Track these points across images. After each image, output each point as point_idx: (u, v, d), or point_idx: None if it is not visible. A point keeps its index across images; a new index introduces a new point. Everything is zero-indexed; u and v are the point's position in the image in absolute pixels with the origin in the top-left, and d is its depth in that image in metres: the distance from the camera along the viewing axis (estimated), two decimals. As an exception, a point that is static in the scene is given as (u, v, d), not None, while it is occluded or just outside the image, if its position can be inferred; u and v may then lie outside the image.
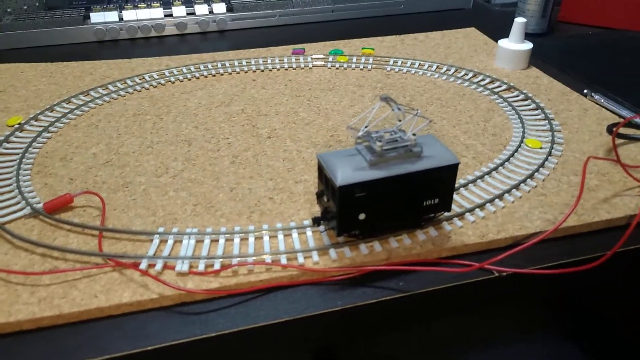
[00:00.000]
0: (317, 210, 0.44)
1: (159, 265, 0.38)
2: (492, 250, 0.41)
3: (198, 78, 0.68)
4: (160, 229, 0.41)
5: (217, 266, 0.38)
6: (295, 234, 0.41)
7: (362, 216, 0.37)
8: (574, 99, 0.61)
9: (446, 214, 0.43)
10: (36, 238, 0.41)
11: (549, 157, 0.50)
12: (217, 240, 0.41)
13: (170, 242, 0.40)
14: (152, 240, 0.41)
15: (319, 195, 0.40)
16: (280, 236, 0.41)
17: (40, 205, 0.44)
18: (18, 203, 0.45)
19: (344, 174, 0.36)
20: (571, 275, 0.39)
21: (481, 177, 0.47)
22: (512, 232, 0.41)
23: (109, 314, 0.36)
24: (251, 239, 0.40)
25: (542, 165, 0.48)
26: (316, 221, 0.39)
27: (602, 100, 0.60)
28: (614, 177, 0.47)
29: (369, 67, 0.70)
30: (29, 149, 0.53)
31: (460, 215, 0.43)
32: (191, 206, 0.45)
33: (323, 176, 0.38)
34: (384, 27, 0.86)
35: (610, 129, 0.53)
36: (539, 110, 0.58)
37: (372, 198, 0.37)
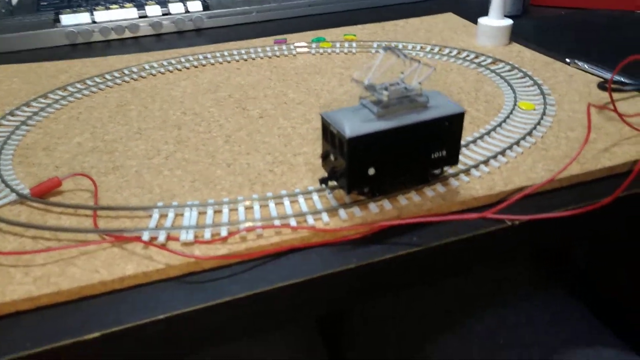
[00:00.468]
0: (321, 177, 0.43)
1: (162, 237, 0.36)
2: (501, 203, 0.40)
3: (180, 70, 0.67)
4: (160, 204, 0.40)
5: (224, 233, 0.36)
6: (301, 199, 0.40)
7: (371, 171, 0.36)
8: (559, 67, 0.62)
9: (452, 170, 0.42)
10: (25, 221, 0.38)
11: (544, 117, 0.50)
12: (220, 211, 0.39)
13: (171, 215, 0.38)
14: (151, 216, 0.39)
15: (325, 157, 0.39)
16: (287, 202, 0.39)
17: (27, 191, 0.42)
18: (1, 191, 0.42)
19: (352, 126, 0.35)
20: (581, 218, 0.39)
21: (480, 138, 0.47)
22: (519, 184, 0.41)
23: (112, 288, 0.34)
24: (256, 207, 0.39)
25: (538, 124, 0.48)
26: (323, 182, 0.38)
27: (586, 66, 0.61)
28: (609, 129, 0.48)
29: (354, 50, 0.70)
30: (7, 141, 0.50)
31: (466, 171, 0.42)
32: (189, 182, 0.43)
33: (328, 134, 0.37)
34: (362, 18, 0.87)
35: (601, 85, 0.53)
36: (527, 78, 0.59)
37: (381, 151, 0.36)
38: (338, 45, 0.71)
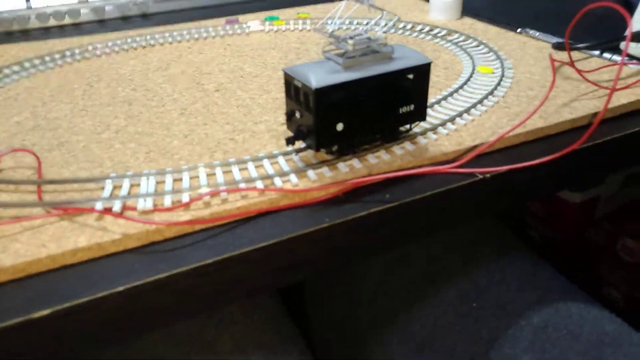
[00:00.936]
0: (284, 144, 0.41)
1: (117, 206, 0.33)
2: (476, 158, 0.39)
3: (127, 50, 0.63)
4: (113, 174, 0.37)
5: (185, 199, 0.34)
6: (267, 163, 0.38)
7: (340, 126, 0.35)
8: (511, 36, 0.63)
9: (419, 128, 0.41)
10: (-39, 200, 0.35)
11: (503, 79, 0.50)
12: (180, 179, 0.36)
13: (126, 185, 0.35)
14: (103, 187, 0.36)
15: (289, 116, 0.37)
16: (251, 166, 0.37)
17: (-39, 171, 0.38)
18: None
19: (318, 77, 0.33)
20: (546, 167, 0.39)
21: (444, 99, 0.46)
22: (486, 138, 0.40)
23: (63, 263, 0.30)
24: (219, 172, 0.37)
25: (498, 84, 0.48)
26: (290, 141, 0.36)
27: (537, 34, 0.61)
28: (566, 87, 0.48)
29: (308, 27, 0.68)
30: (-62, 125, 0.46)
31: (433, 130, 0.41)
32: (143, 154, 0.40)
33: (292, 90, 0.35)
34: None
35: (557, 45, 0.54)
36: (482, 46, 0.59)
37: (349, 104, 0.34)
38: (292, 22, 0.69)
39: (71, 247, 0.30)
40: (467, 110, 0.44)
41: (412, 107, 0.37)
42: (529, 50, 0.57)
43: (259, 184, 0.35)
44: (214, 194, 0.34)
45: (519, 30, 0.64)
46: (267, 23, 0.69)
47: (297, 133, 0.36)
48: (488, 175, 0.37)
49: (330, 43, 0.35)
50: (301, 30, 0.68)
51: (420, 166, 0.38)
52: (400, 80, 0.36)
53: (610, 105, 0.44)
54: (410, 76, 0.36)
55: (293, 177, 0.36)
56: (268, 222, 0.34)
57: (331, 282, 0.57)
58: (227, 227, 0.33)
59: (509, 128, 0.40)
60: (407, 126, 0.40)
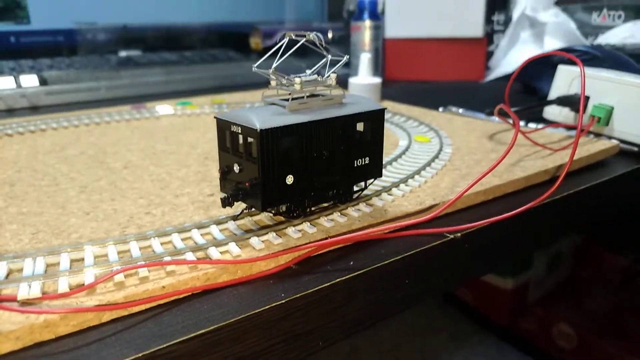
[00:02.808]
0: (216, 214, 0.34)
1: (-14, 297, 0.23)
2: (436, 220, 0.35)
3: (11, 136, 0.54)
4: (-18, 258, 0.27)
5: (89, 279, 0.25)
6: (196, 233, 0.30)
7: (290, 179, 0.29)
8: (435, 114, 0.62)
9: (370, 190, 0.36)
10: None
11: (443, 146, 0.47)
12: (81, 259, 0.27)
13: (1, 269, 0.26)
14: (-33, 277, 0.26)
15: (225, 173, 0.30)
16: (176, 237, 0.29)
17: None
18: None
19: (263, 119, 0.27)
20: (516, 220, 0.35)
21: (389, 163, 0.42)
22: (445, 197, 0.36)
23: None
24: (134, 246, 0.28)
25: (440, 150, 0.46)
26: (226, 202, 0.29)
27: (460, 111, 0.62)
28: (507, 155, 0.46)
29: (226, 109, 0.64)
30: None
31: (387, 191, 0.36)
32: (29, 235, 0.31)
33: (228, 139, 0.29)
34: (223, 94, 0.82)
35: (489, 112, 0.53)
36: (412, 120, 0.57)
37: (299, 153, 0.29)
38: (206, 107, 0.65)
39: None
40: (418, 172, 0.40)
41: (367, 160, 0.32)
42: (457, 124, 0.57)
43: (190, 256, 0.27)
44: (128, 270, 0.25)
45: (440, 109, 0.64)
46: (178, 107, 0.64)
47: (236, 192, 0.29)
48: (458, 234, 0.32)
49: (271, 86, 0.30)
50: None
51: (382, 229, 0.32)
52: (353, 128, 0.31)
53: (562, 163, 0.42)
54: (364, 124, 0.32)
55: (233, 247, 0.28)
56: (205, 304, 0.25)
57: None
58: (150, 314, 0.24)
59: (467, 186, 0.37)
60: (362, 185, 0.34)
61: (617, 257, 0.95)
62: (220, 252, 0.28)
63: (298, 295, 0.26)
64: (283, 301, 0.26)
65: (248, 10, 1.24)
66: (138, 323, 0.24)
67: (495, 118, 0.58)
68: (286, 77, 0.29)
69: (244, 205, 0.30)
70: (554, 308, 0.92)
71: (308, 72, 0.31)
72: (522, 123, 0.55)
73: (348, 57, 0.31)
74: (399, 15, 0.94)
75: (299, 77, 0.29)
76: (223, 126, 0.29)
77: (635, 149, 0.47)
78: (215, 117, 0.30)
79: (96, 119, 0.59)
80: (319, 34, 0.29)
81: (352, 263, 0.29)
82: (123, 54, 1.03)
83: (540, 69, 0.75)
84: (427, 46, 0.93)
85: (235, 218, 0.31)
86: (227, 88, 0.86)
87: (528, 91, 0.79)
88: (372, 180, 0.34)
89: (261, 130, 0.27)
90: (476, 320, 0.86)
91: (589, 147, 0.45)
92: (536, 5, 0.99)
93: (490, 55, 1.00)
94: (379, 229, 0.31)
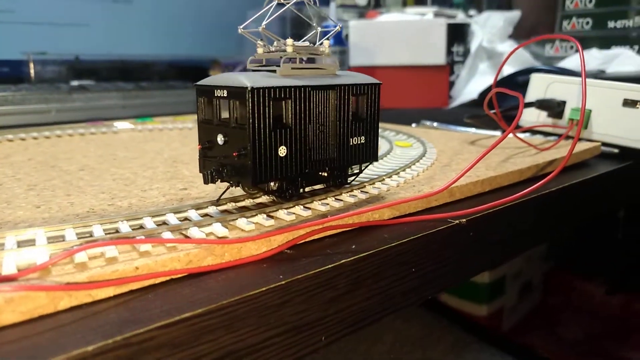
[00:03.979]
0: (190, 204, 0.29)
1: None
2: (432, 209, 0.32)
3: (-53, 147, 0.48)
4: None
5: (42, 259, 0.20)
6: (171, 217, 0.26)
7: (282, 151, 0.25)
8: (410, 128, 0.61)
9: (363, 178, 0.33)
10: None
11: (427, 149, 0.45)
12: (31, 240, 0.22)
13: None
14: None
15: (205, 150, 0.26)
16: (148, 220, 0.25)
17: None
18: None
19: (254, 79, 0.24)
20: (522, 207, 0.32)
21: (376, 161, 0.39)
22: (443, 186, 0.33)
23: None
24: (97, 228, 0.24)
25: (425, 152, 0.43)
26: (208, 178, 0.25)
27: (435, 124, 0.60)
28: (494, 155, 0.45)
29: (190, 125, 0.60)
30: None
31: (381, 180, 0.33)
32: (-35, 225, 0.25)
33: (214, 107, 0.26)
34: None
35: (469, 117, 0.52)
36: (389, 131, 0.55)
37: (292, 122, 0.25)
38: (169, 123, 0.60)
39: None
40: (408, 166, 0.37)
41: (362, 139, 0.29)
42: (434, 135, 0.55)
43: (167, 235, 0.23)
44: (91, 249, 0.21)
45: (414, 125, 0.62)
46: (138, 123, 0.59)
47: (220, 169, 0.25)
48: (463, 220, 0.29)
49: (257, 53, 0.27)
50: (181, 129, 0.59)
51: (382, 214, 0.29)
52: (349, 101, 0.28)
53: (552, 159, 0.41)
54: (360, 98, 0.29)
55: (218, 227, 0.24)
56: (187, 288, 0.21)
57: None
58: (120, 300, 0.20)
59: (470, 164, 0.34)
60: (355, 170, 0.31)
61: (587, 284, 0.95)
62: (206, 234, 0.24)
63: (299, 277, 0.22)
64: (283, 282, 0.21)
65: (206, 45, 1.22)
66: (105, 310, 0.19)
67: (472, 129, 0.57)
68: (277, 40, 0.26)
69: (224, 189, 0.27)
70: (528, 335, 0.90)
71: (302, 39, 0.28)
72: (497, 132, 0.54)
73: (341, 25, 0.28)
74: (362, 43, 0.94)
75: (291, 39, 0.26)
76: (204, 93, 0.26)
77: (616, 150, 0.46)
78: (194, 85, 0.26)
79: (46, 132, 0.54)
80: (312, -7, 0.27)
81: (354, 247, 0.25)
82: (75, 83, 0.98)
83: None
84: (391, 74, 0.93)
85: (216, 202, 0.27)
86: (189, 114, 0.83)
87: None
88: (367, 164, 0.31)
89: (252, 88, 0.23)
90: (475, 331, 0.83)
91: (575, 148, 0.44)
92: (492, 37, 1.02)
93: (451, 85, 1.01)
94: (369, 207, 0.28)
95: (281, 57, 0.26)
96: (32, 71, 0.95)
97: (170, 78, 1.10)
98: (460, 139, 0.52)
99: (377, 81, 0.29)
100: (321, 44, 0.28)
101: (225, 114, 0.25)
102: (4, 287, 0.18)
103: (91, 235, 0.23)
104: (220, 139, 0.25)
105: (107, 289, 0.20)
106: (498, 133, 0.54)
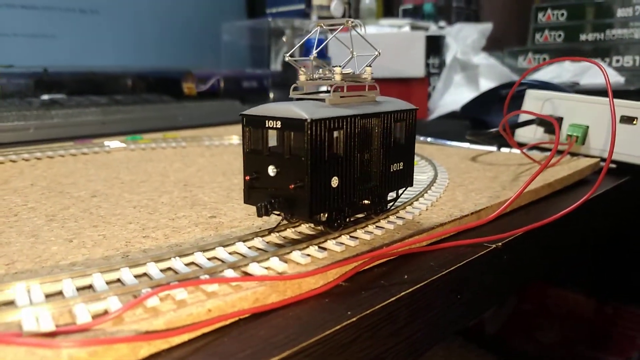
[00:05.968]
0: (230, 234, 0.29)
1: (-26, 337, 0.17)
2: (464, 232, 0.32)
3: None
4: (-49, 292, 0.20)
5: (114, 306, 0.19)
6: (221, 251, 0.25)
7: (335, 182, 0.25)
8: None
9: (399, 201, 0.33)
10: None
11: (437, 167, 0.46)
12: (89, 285, 0.21)
13: (-17, 304, 0.19)
14: None
15: (254, 180, 0.26)
16: (200, 255, 0.24)
17: None
18: None
19: (309, 110, 0.24)
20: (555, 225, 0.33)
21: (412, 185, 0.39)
22: (474, 208, 0.34)
23: None
24: (152, 267, 0.23)
25: (436, 173, 0.44)
26: (262, 211, 0.25)
27: (429, 139, 0.61)
28: (502, 173, 0.46)
29: (183, 143, 0.59)
30: None
31: (410, 204, 0.33)
32: (3, 266, 0.24)
33: (261, 137, 0.25)
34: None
35: (470, 134, 0.53)
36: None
37: (344, 153, 0.25)
38: (160, 141, 0.59)
39: None
40: (429, 187, 0.37)
41: (401, 165, 0.30)
42: (431, 150, 0.56)
43: (230, 274, 0.22)
44: (161, 292, 0.20)
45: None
46: (129, 142, 0.58)
47: (271, 201, 0.25)
48: (499, 244, 0.30)
49: (300, 81, 0.27)
50: (175, 147, 0.58)
51: (420, 241, 0.29)
52: (391, 127, 0.28)
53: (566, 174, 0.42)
54: (400, 123, 0.29)
55: (276, 262, 0.24)
56: (260, 329, 0.20)
57: None
58: (196, 345, 0.19)
59: (525, 183, 0.35)
60: (394, 195, 0.31)
61: (560, 291, 0.98)
62: (265, 268, 0.23)
63: (367, 312, 0.22)
64: (354, 319, 0.21)
65: (178, 56, 1.20)
66: (185, 357, 0.18)
67: (466, 144, 0.58)
68: (324, 67, 0.26)
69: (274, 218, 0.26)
70: (509, 342, 0.92)
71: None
72: (494, 148, 0.56)
73: (379, 52, 0.28)
74: (342, 55, 0.94)
75: (339, 66, 0.26)
76: (252, 122, 0.25)
77: (614, 165, 0.48)
78: (240, 115, 0.26)
79: (37, 153, 0.51)
80: (359, 21, 0.27)
81: (406, 277, 0.25)
82: (45, 97, 0.95)
83: (488, 104, 0.78)
84: (372, 86, 0.94)
85: (272, 230, 0.27)
86: (171, 129, 0.81)
87: (476, 126, 0.81)
88: (404, 189, 0.31)
89: (312, 120, 0.23)
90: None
91: (576, 164, 0.46)
92: (466, 49, 1.05)
93: (428, 97, 1.03)
94: (416, 239, 0.28)
95: (330, 86, 0.26)
96: (-2, 84, 0.91)
97: (143, 91, 1.08)
98: (459, 155, 0.53)
99: (415, 107, 0.30)
100: (363, 70, 0.28)
101: (273, 144, 0.25)
102: (86, 340, 0.17)
103: (147, 275, 0.22)
104: (271, 170, 0.25)
105: (184, 334, 0.19)
106: (494, 149, 0.55)
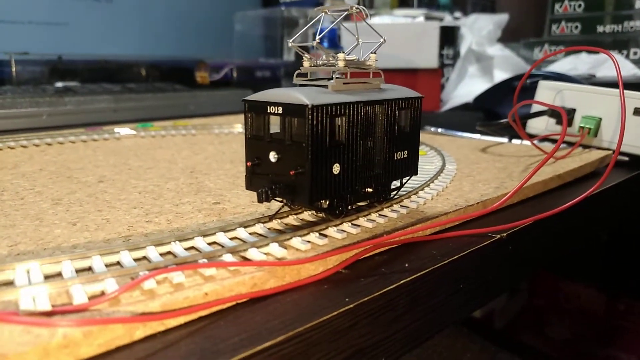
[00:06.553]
0: (232, 220, 0.29)
1: (-28, 314, 0.17)
2: (469, 222, 0.32)
3: (-54, 156, 0.46)
4: (-47, 271, 0.20)
5: (110, 287, 0.19)
6: (222, 236, 0.25)
7: (336, 168, 0.25)
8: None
9: (403, 190, 0.33)
10: None
11: (445, 157, 0.45)
12: (88, 267, 0.22)
13: (-17, 283, 0.20)
14: None
15: (255, 166, 0.26)
16: (200, 240, 0.24)
17: None
18: None
19: (311, 96, 0.24)
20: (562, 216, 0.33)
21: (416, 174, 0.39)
22: (479, 198, 0.33)
23: None
24: (152, 251, 0.23)
25: (444, 162, 0.43)
26: (262, 197, 0.25)
27: (439, 130, 0.61)
28: (512, 164, 0.45)
29: (193, 131, 0.59)
30: None
31: (415, 193, 0.33)
32: (5, 247, 0.24)
33: (263, 122, 0.25)
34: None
35: (480, 124, 0.52)
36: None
37: (345, 139, 0.25)
38: (170, 129, 0.59)
39: None
40: (436, 177, 0.37)
41: (405, 153, 0.29)
42: (441, 141, 0.55)
43: (228, 257, 0.22)
44: (158, 275, 0.20)
45: (417, 130, 0.63)
46: (140, 129, 0.58)
47: (271, 188, 0.25)
48: (504, 234, 0.30)
49: (303, 67, 0.27)
50: (184, 135, 0.58)
51: (424, 230, 0.29)
52: (395, 115, 0.28)
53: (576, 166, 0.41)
54: (405, 111, 0.29)
55: (275, 247, 0.24)
56: (257, 314, 0.20)
57: None
58: (192, 328, 0.19)
59: (527, 175, 0.34)
60: (397, 184, 0.31)
61: (572, 285, 0.97)
62: (264, 254, 0.23)
63: (366, 299, 0.22)
64: (351, 305, 0.21)
65: (191, 45, 1.20)
66: (181, 339, 0.18)
67: (477, 135, 0.58)
68: (328, 53, 0.26)
69: (275, 205, 0.26)
70: (517, 336, 0.92)
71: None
72: (505, 139, 0.55)
73: (384, 39, 0.28)
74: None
75: (342, 52, 0.26)
76: (254, 108, 0.25)
77: (626, 158, 0.47)
78: (243, 100, 0.26)
79: (47, 139, 0.52)
80: (364, 8, 0.26)
81: (407, 265, 0.25)
82: (59, 84, 0.95)
83: (501, 95, 0.77)
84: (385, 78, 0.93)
85: (273, 217, 0.27)
86: (182, 117, 0.81)
87: (490, 117, 0.80)
88: (408, 178, 0.31)
89: (313, 106, 0.23)
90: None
91: (588, 156, 0.45)
92: (481, 40, 1.03)
93: (442, 88, 1.02)
94: (419, 227, 0.28)
95: (333, 72, 0.26)
96: (14, 72, 0.92)
97: (156, 79, 1.08)
98: (470, 146, 0.52)
99: (420, 95, 0.29)
100: (367, 57, 0.27)
101: (275, 130, 0.25)
102: (82, 320, 0.17)
103: (146, 258, 0.22)
104: (272, 156, 0.25)
105: (180, 317, 0.19)
106: (505, 140, 0.54)
